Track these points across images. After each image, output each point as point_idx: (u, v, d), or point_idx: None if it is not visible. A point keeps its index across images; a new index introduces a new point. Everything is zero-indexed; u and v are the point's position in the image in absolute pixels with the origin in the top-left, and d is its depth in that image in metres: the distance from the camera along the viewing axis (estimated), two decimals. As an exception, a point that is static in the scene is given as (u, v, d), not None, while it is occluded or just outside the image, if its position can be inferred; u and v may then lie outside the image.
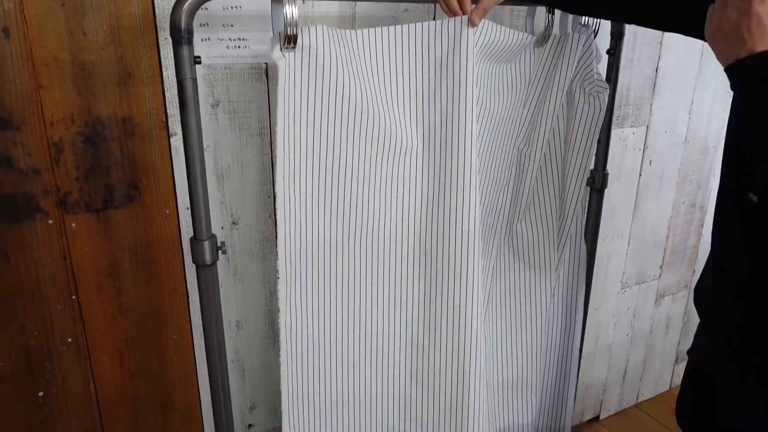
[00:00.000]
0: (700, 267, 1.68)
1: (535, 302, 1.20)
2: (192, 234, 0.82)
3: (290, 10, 0.71)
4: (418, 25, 0.82)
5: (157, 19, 0.88)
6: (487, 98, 0.94)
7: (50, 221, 0.90)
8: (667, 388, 1.91)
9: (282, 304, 0.85)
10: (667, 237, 1.65)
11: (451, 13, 0.83)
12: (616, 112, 1.38)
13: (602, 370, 1.70)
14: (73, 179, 0.89)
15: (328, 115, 0.80)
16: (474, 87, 0.82)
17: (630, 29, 1.26)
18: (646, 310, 1.71)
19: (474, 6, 0.83)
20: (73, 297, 0.94)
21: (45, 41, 0.82)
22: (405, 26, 0.82)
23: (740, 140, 0.73)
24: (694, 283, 1.25)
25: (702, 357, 0.88)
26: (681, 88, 1.49)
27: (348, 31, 0.79)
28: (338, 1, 0.97)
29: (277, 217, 0.80)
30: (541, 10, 0.98)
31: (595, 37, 1.01)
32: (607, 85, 1.03)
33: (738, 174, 0.74)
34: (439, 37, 0.82)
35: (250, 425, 1.19)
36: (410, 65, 0.83)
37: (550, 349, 1.30)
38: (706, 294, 0.86)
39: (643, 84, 1.41)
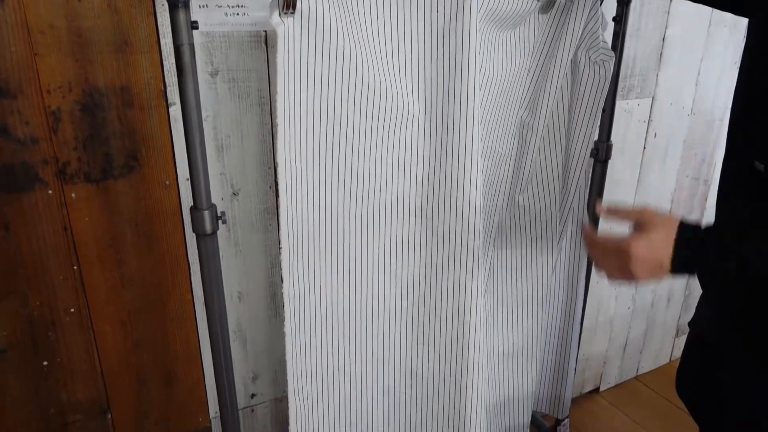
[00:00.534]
0: (702, 241, 1.67)
1: (537, 275, 1.20)
2: (192, 204, 0.82)
3: (289, -26, 0.69)
4: (420, -11, 0.80)
5: (154, -16, 0.86)
6: (489, 66, 0.92)
7: (50, 191, 0.89)
8: (667, 361, 1.92)
9: (285, 275, 0.85)
10: (671, 211, 1.64)
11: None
12: (621, 84, 1.36)
13: (603, 343, 1.71)
14: (71, 149, 0.89)
15: (328, 82, 0.78)
16: (477, 53, 0.81)
17: (637, -3, 1.23)
18: (648, 283, 1.71)
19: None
20: (75, 268, 0.94)
21: (40, 8, 0.81)
22: (407, -9, 0.80)
23: (746, 107, 0.72)
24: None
25: (704, 327, 0.88)
26: (688, 59, 1.46)
27: (348, -4, 0.77)
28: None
29: (279, 186, 0.80)
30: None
31: (601, 4, 0.99)
32: (612, 54, 1.01)
33: (743, 143, 0.73)
34: (441, 2, 0.80)
35: (253, 395, 1.20)
36: (411, 31, 0.82)
37: (552, 321, 1.31)
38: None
39: (649, 54, 1.38)
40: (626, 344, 1.77)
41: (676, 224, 0.66)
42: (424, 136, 0.87)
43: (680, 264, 0.65)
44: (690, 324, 0.93)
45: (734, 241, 0.65)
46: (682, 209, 1.66)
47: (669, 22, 1.37)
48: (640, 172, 1.52)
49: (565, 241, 1.22)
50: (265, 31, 0.96)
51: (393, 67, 0.83)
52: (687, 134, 1.56)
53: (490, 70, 0.92)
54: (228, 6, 0.91)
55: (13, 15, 0.80)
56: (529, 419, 1.34)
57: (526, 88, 1.02)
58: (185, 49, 0.72)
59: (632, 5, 1.12)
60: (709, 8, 0.73)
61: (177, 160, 0.97)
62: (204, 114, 0.94)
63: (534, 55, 1.00)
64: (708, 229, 0.66)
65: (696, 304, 0.92)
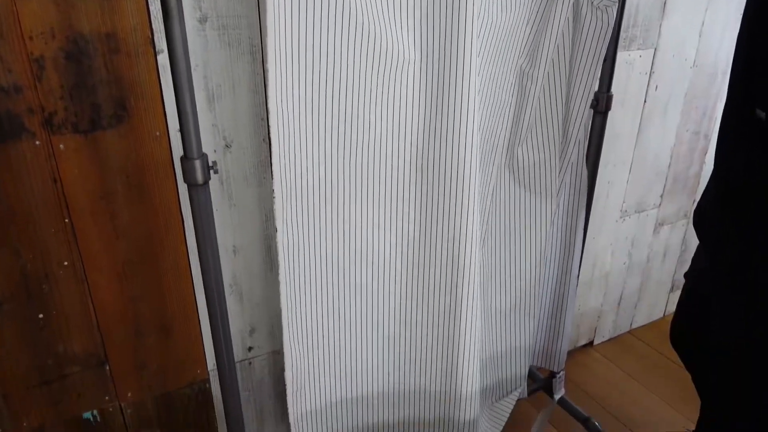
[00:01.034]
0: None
1: (535, 228, 1.19)
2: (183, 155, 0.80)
3: None
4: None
5: None
6: (488, 12, 0.89)
7: (37, 142, 0.87)
8: (661, 316, 1.94)
9: (279, 224, 0.84)
10: (669, 165, 1.63)
11: None
12: (623, 34, 1.32)
13: (598, 298, 1.72)
14: (58, 98, 0.86)
15: (321, 27, 0.76)
16: (475, -3, 0.78)
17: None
18: (645, 239, 1.71)
19: None
20: (66, 221, 0.93)
21: (17, -53, 0.77)
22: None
23: (749, 58, 0.70)
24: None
25: (699, 278, 0.88)
26: (692, 8, 1.42)
27: (341, -66, 0.74)
28: None
29: (271, 134, 0.78)
30: None
31: (605, -54, 0.95)
32: (616, -1, 0.97)
33: (744, 90, 0.72)
34: (438, -59, 0.76)
35: (250, 348, 1.21)
36: (408, -28, 0.79)
37: (548, 275, 1.31)
38: (706, 216, 0.85)
39: (652, 3, 1.34)
40: (621, 299, 1.78)
41: None
42: (421, 83, 0.85)
43: None
44: (686, 275, 0.93)
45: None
46: (681, 164, 1.65)
47: (674, -32, 1.33)
48: (639, 126, 1.50)
49: (563, 194, 1.21)
50: (255, -25, 0.92)
51: (388, 12, 0.80)
52: (688, 87, 1.53)
53: (488, 16, 0.89)
54: (216, -53, 0.87)
55: (-11, -45, 0.76)
56: (527, 372, 1.35)
57: (526, 35, 0.99)
58: (170, -11, 0.69)
59: (637, -52, 1.08)
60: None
61: (167, 112, 0.94)
62: (193, 63, 0.91)
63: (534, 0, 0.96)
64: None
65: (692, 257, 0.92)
